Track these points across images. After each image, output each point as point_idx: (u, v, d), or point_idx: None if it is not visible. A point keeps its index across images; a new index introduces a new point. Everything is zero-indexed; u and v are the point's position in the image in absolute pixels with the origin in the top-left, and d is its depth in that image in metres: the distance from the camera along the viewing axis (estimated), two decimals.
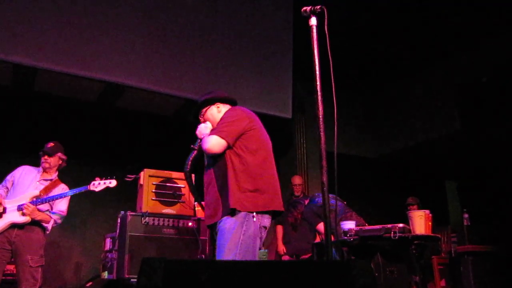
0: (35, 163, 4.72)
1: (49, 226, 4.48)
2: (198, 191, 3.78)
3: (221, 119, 3.36)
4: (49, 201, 4.36)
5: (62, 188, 4.60)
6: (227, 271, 1.70)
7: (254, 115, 3.44)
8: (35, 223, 4.39)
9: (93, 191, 4.42)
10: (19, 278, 4.26)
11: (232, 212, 3.10)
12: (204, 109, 3.55)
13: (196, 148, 3.48)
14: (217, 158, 3.26)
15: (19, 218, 4.28)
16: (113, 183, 4.45)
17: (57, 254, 4.54)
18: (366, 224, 5.09)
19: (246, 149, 3.25)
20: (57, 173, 4.70)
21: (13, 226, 4.29)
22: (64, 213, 4.64)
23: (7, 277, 4.48)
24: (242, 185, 3.15)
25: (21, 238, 4.31)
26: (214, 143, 3.21)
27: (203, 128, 3.45)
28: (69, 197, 4.64)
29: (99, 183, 4.41)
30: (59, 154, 4.64)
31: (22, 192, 4.42)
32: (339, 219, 5.02)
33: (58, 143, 4.68)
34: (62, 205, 4.60)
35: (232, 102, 3.60)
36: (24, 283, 4.22)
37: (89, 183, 4.43)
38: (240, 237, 3.07)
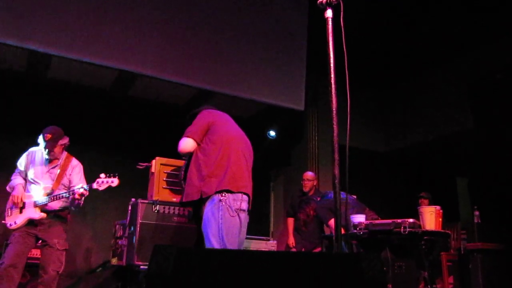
0: None
1: (81, 202, 4.52)
2: None
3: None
4: (59, 198, 4.38)
5: (72, 165, 4.60)
6: (237, 260, 1.71)
7: (220, 113, 3.92)
8: (55, 216, 4.48)
9: (97, 189, 4.37)
10: (46, 261, 4.33)
11: (204, 201, 3.50)
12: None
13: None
14: (191, 155, 3.72)
15: (35, 215, 4.36)
16: (115, 182, 4.38)
17: (68, 240, 4.58)
18: (379, 218, 5.09)
19: (209, 140, 3.67)
20: (64, 152, 4.68)
21: (32, 221, 4.38)
22: (86, 193, 4.63)
23: (29, 260, 4.56)
24: (202, 173, 3.53)
25: (47, 225, 4.41)
26: (184, 144, 3.70)
27: None
28: (83, 171, 4.64)
29: (102, 182, 4.34)
30: (60, 142, 4.57)
31: (36, 184, 4.47)
32: (352, 212, 5.03)
33: (55, 131, 4.57)
34: (79, 182, 4.60)
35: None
36: (51, 265, 4.31)
37: (93, 181, 4.37)
38: (218, 222, 3.40)
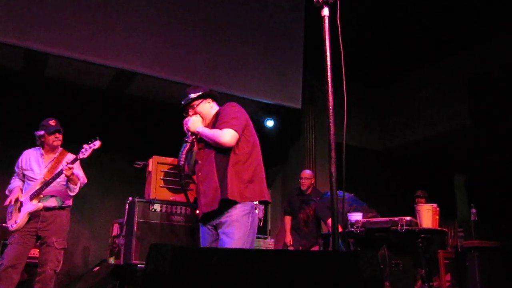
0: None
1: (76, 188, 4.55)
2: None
3: (226, 113, 3.42)
4: (51, 182, 4.38)
5: (68, 158, 4.59)
6: (234, 258, 1.71)
7: None
8: (58, 207, 4.50)
9: (83, 159, 4.36)
10: (43, 259, 4.35)
11: (234, 203, 3.21)
12: (197, 102, 3.59)
13: (189, 141, 3.47)
14: (221, 150, 3.34)
15: (31, 207, 4.38)
16: (97, 144, 4.36)
17: (66, 239, 4.59)
18: (379, 216, 5.10)
19: (247, 141, 3.38)
20: (59, 148, 4.70)
21: (35, 215, 4.39)
22: (84, 180, 4.68)
23: (27, 259, 4.55)
24: (242, 176, 3.28)
25: (47, 223, 4.42)
26: (231, 136, 3.28)
27: (196, 121, 3.50)
28: (79, 163, 4.61)
29: (86, 149, 4.33)
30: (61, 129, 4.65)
31: (33, 181, 4.49)
32: (350, 209, 5.03)
33: (55, 119, 4.65)
34: (79, 173, 4.61)
35: (218, 101, 3.71)
36: (49, 264, 4.31)
37: (78, 152, 4.37)
38: (248, 227, 3.20)
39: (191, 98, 3.60)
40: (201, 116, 3.57)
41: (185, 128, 3.53)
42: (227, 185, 3.23)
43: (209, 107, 3.61)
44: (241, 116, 3.42)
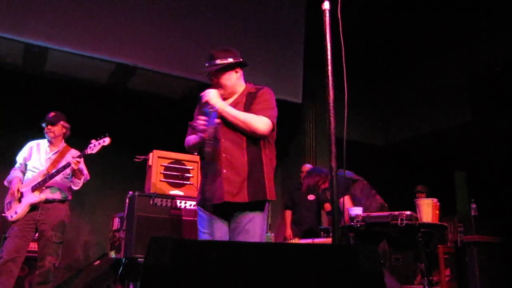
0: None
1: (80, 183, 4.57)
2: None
3: (266, 99, 3.13)
4: (55, 175, 4.39)
5: (72, 154, 4.58)
6: (234, 251, 1.71)
7: None
8: (58, 200, 4.51)
9: (91, 154, 4.35)
10: (42, 253, 4.36)
11: (264, 202, 3.06)
12: (223, 72, 3.12)
13: (215, 124, 2.90)
14: (253, 139, 3.03)
15: (34, 198, 4.38)
16: (106, 141, 4.36)
17: (66, 233, 4.60)
18: (386, 205, 5.09)
19: (272, 138, 3.15)
20: (63, 142, 4.72)
21: (35, 206, 4.40)
22: (87, 177, 4.70)
23: (27, 253, 4.56)
24: (271, 175, 3.10)
25: (45, 216, 4.41)
26: (267, 126, 3.01)
27: (217, 96, 3.02)
28: (82, 160, 4.59)
29: (94, 145, 4.33)
30: (62, 122, 4.65)
31: (35, 172, 4.50)
32: (361, 195, 5.03)
33: (60, 113, 4.67)
34: (82, 168, 4.62)
35: (244, 67, 3.32)
36: (48, 258, 4.33)
37: (85, 148, 4.36)
38: (265, 224, 3.10)
39: (218, 67, 3.09)
40: (224, 90, 3.12)
41: (203, 99, 3.00)
42: (265, 185, 3.01)
43: (235, 78, 3.18)
44: (275, 105, 3.15)
